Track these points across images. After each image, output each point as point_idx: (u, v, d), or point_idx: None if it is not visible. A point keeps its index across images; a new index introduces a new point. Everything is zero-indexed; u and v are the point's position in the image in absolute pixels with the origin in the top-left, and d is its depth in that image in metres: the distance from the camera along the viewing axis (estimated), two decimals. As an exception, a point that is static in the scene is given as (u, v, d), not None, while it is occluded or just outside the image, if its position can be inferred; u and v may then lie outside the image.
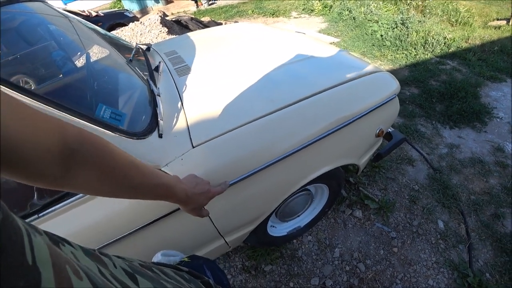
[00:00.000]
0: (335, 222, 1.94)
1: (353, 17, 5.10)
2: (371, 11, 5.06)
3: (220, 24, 5.89)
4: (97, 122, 0.81)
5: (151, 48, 1.78)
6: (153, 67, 1.37)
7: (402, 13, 4.48)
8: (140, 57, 1.49)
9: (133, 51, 1.44)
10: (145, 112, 1.04)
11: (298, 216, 1.72)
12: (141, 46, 1.72)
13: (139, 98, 1.12)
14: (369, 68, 1.37)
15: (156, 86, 1.16)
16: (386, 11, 5.28)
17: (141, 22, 4.42)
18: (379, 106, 1.23)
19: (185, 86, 1.26)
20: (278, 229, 1.69)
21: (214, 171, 0.93)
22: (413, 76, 3.22)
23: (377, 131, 1.30)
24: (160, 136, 0.95)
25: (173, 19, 4.94)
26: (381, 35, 4.16)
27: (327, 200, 1.68)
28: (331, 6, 6.09)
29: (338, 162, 1.26)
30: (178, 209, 0.93)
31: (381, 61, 3.71)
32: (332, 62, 1.45)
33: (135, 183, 0.47)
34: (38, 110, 0.33)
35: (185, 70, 1.42)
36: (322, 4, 6.33)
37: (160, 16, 4.50)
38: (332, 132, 1.13)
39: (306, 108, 1.12)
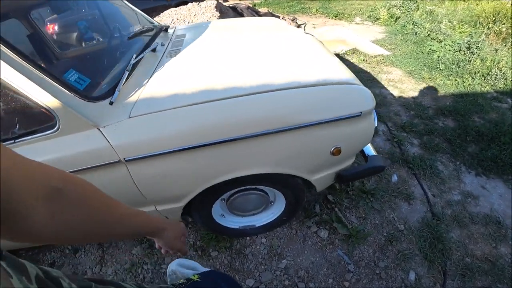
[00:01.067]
0: (295, 234, 1.73)
1: (415, 32, 4.42)
2: (439, 29, 4.31)
3: (278, 17, 5.71)
4: (61, 82, 0.94)
5: (168, 29, 1.85)
6: (155, 46, 1.45)
7: (472, 36, 3.70)
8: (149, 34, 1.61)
9: (142, 30, 1.53)
10: (110, 82, 1.14)
11: (253, 214, 1.57)
12: (163, 26, 1.82)
13: (113, 70, 1.24)
14: (347, 78, 1.12)
15: (131, 63, 1.20)
16: (459, 32, 4.46)
17: (198, 4, 4.52)
18: (335, 120, 1.00)
19: (163, 66, 1.30)
20: (229, 220, 1.58)
21: (138, 141, 0.99)
22: (455, 107, 2.65)
23: (332, 149, 1.07)
24: (111, 103, 1.03)
25: (230, 6, 4.93)
26: (439, 57, 3.52)
27: (284, 209, 1.50)
28: (397, 18, 5.38)
29: (278, 168, 1.08)
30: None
31: (426, 83, 3.16)
32: (313, 64, 1.23)
33: (118, 215, 0.47)
34: (25, 158, 0.34)
35: (175, 52, 1.45)
36: (389, 13, 5.64)
37: (217, 1, 4.52)
38: (268, 134, 0.97)
39: (251, 103, 1.00)
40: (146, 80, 1.19)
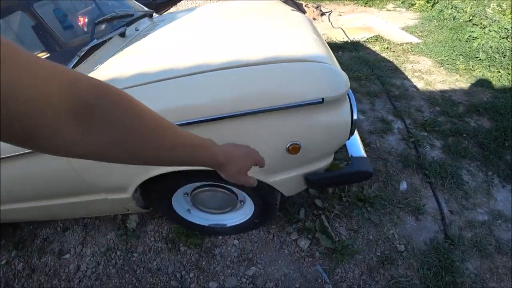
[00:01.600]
0: (272, 239, 1.45)
1: (454, 17, 3.72)
2: (485, 14, 3.58)
3: (300, 4, 5.25)
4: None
5: (153, 15, 1.84)
6: (122, 31, 1.39)
7: None
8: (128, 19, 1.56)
9: (113, 15, 1.49)
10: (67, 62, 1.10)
11: (222, 213, 1.33)
12: (147, 12, 1.78)
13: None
14: (316, 55, 0.78)
15: (85, 48, 1.17)
16: (511, 17, 3.67)
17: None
18: (289, 108, 0.69)
19: (122, 51, 1.23)
20: (196, 216, 1.37)
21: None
22: (493, 104, 2.11)
23: (288, 145, 0.75)
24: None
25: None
26: (480, 44, 2.89)
27: (253, 212, 1.24)
28: (435, 3, 4.63)
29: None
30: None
31: (460, 75, 2.60)
32: (280, 42, 0.93)
33: (169, 144, 0.37)
34: (44, 60, 0.25)
35: (143, 36, 1.40)
36: (427, -3, 4.88)
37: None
38: (204, 122, 0.69)
39: (187, 86, 0.74)
40: (99, 65, 1.12)
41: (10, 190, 1.04)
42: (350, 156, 0.91)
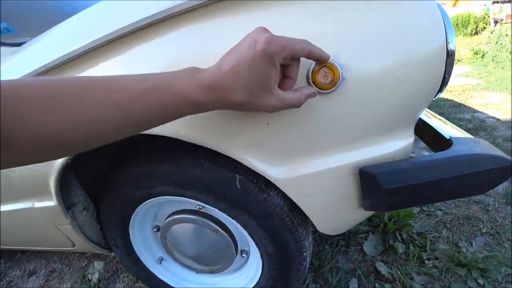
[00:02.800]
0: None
1: (515, 57, 3.30)
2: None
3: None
4: None
5: None
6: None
7: None
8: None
9: None
10: None
11: (211, 272, 0.76)
12: None
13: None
14: None
15: None
16: None
17: None
18: None
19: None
20: (170, 272, 0.82)
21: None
22: None
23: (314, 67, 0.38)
24: None
25: None
26: None
27: (262, 270, 0.69)
28: (484, 53, 4.35)
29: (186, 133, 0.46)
30: None
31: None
32: None
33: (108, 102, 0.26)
34: None
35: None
36: (473, 51, 4.66)
37: None
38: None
39: None
40: None
41: None
42: (448, 138, 0.48)
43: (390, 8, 0.37)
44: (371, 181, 0.41)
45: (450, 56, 0.39)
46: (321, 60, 0.32)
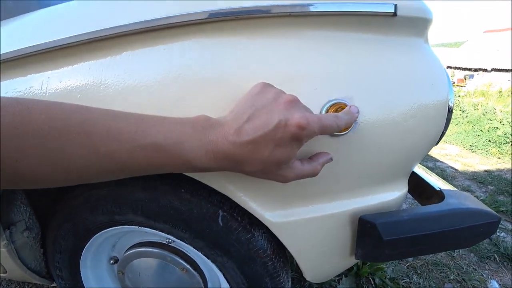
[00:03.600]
0: None
1: (466, 116, 3.76)
2: (494, 113, 3.62)
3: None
4: None
5: None
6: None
7: None
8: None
9: None
10: None
11: None
12: None
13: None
14: None
15: None
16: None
17: None
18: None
19: None
20: None
21: None
22: None
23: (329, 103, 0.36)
24: None
25: None
26: (504, 132, 2.72)
27: None
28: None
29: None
30: None
31: (499, 158, 2.28)
32: None
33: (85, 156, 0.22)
34: None
35: None
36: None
37: None
38: None
39: None
40: None
41: None
42: (438, 190, 0.48)
43: (406, 60, 0.37)
44: (370, 231, 0.38)
45: (449, 112, 0.40)
46: (350, 125, 0.32)
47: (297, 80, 0.34)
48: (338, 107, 0.33)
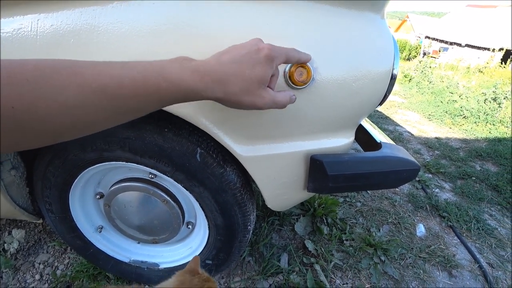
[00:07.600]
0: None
1: (432, 87, 4.06)
2: (457, 87, 3.94)
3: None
4: None
5: None
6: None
7: (496, 88, 3.20)
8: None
9: None
10: None
11: (155, 242, 0.77)
12: None
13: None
14: None
15: None
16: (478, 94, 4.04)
17: None
18: None
19: None
20: (110, 242, 0.80)
21: None
22: (494, 150, 1.99)
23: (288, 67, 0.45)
24: None
25: None
26: (461, 106, 3.02)
27: (205, 247, 0.73)
28: (411, 78, 5.20)
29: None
30: None
31: (449, 127, 2.58)
32: None
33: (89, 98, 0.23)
34: None
35: None
36: (403, 73, 5.50)
37: None
38: None
39: None
40: None
41: None
42: (378, 142, 0.61)
43: (361, 32, 0.45)
44: (318, 167, 0.49)
45: (392, 79, 0.49)
46: (305, 62, 0.39)
47: (270, 40, 0.40)
48: (299, 65, 0.41)
